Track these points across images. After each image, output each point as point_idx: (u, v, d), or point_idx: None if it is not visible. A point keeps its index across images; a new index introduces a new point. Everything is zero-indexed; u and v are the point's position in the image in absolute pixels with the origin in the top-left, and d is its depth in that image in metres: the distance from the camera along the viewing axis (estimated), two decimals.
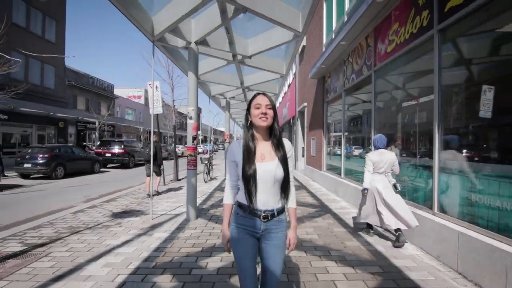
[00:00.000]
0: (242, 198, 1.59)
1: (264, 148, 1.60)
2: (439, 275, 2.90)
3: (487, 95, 2.85)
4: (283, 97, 21.76)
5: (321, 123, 9.40)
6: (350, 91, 6.90)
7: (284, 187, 1.58)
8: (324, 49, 8.31)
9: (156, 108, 5.68)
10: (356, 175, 6.32)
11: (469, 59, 3.32)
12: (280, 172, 1.54)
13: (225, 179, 10.87)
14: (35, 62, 18.90)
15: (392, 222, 3.61)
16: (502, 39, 2.81)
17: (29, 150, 11.63)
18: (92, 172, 13.40)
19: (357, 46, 6.16)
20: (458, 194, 3.22)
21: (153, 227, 4.53)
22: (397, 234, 3.62)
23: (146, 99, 38.56)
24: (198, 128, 5.12)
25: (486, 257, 2.58)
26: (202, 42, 5.13)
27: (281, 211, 1.62)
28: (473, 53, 3.28)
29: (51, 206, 6.30)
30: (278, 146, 1.59)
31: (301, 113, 13.61)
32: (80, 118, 22.78)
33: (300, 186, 8.96)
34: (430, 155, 3.68)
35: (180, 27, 4.73)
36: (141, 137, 32.60)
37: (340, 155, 7.48)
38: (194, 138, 4.90)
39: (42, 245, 3.74)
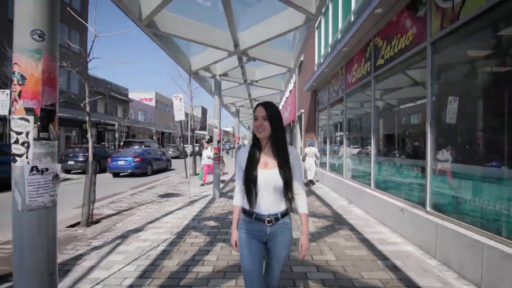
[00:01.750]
0: (246, 204, 1.67)
1: (268, 156, 1.67)
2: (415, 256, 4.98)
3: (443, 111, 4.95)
4: (285, 101, 23.85)
5: (313, 128, 11.52)
6: (332, 105, 9.01)
7: (286, 194, 1.63)
8: (315, 69, 10.40)
9: (179, 115, 7.88)
10: (334, 168, 8.42)
11: (386, 94, 5.43)
12: (279, 180, 1.59)
13: (234, 173, 13.03)
14: (63, 71, 21.22)
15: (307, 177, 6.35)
16: (407, 82, 4.91)
17: (71, 150, 13.93)
18: None
19: (336, 73, 8.28)
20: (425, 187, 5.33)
21: (192, 202, 6.70)
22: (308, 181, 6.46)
23: (157, 101, 40.93)
24: (220, 134, 7.27)
25: (431, 232, 4.66)
26: (224, 74, 7.37)
27: (285, 213, 1.68)
28: (390, 89, 5.38)
29: (106, 192, 8.47)
30: (279, 155, 1.64)
31: (300, 117, 15.70)
32: (101, 120, 25.13)
33: None
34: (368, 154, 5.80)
35: (209, 66, 6.97)
36: (154, 137, 34.90)
37: (326, 153, 9.60)
38: (218, 141, 7.10)
39: (126, 209, 5.93)
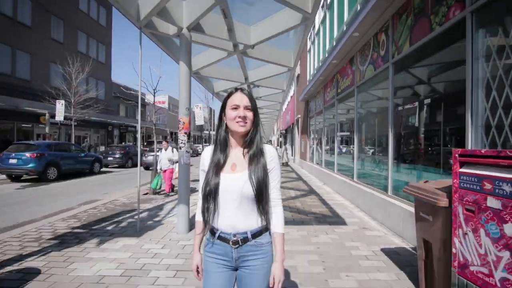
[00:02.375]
0: (215, 222, 1.28)
1: (237, 156, 1.30)
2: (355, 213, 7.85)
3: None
4: (286, 106, 26.70)
5: (306, 131, 14.39)
6: (318, 114, 11.87)
7: (258, 205, 1.23)
8: (307, 83, 13.24)
9: (199, 121, 10.92)
10: (317, 161, 11.28)
11: (345, 111, 8.28)
12: (248, 188, 1.22)
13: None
14: (92, 79, 24.42)
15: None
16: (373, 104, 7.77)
17: (109, 148, 17.06)
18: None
19: (319, 91, 11.15)
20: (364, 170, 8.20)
21: None
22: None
23: (169, 103, 44.11)
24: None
25: (369, 199, 7.53)
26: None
27: (258, 233, 1.26)
28: (347, 108, 8.23)
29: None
30: (252, 156, 1.27)
31: (297, 121, 18.57)
32: (124, 123, 28.36)
33: (292, 171, 13.96)
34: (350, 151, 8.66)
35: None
36: (167, 137, 38.06)
37: (313, 151, 12.48)
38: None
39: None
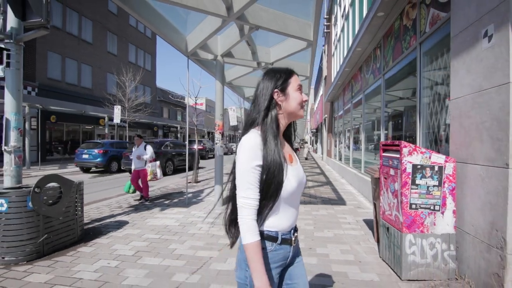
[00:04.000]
0: (272, 224, 1.12)
1: (288, 147, 1.22)
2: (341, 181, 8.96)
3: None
4: (317, 106, 27.55)
5: (331, 130, 15.36)
6: (339, 116, 12.86)
7: None
8: (331, 86, 14.25)
9: (233, 121, 12.55)
10: (338, 157, 12.29)
11: (356, 115, 9.30)
12: (305, 178, 1.21)
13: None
14: (140, 86, 27.52)
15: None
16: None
17: (151, 144, 19.60)
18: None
19: (340, 93, 12.15)
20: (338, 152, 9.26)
21: None
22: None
23: (207, 105, 47.01)
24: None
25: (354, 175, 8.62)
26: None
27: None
28: (359, 112, 9.24)
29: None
30: (294, 147, 1.27)
31: (325, 120, 19.50)
32: (167, 124, 31.38)
33: (317, 167, 15.06)
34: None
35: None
36: (205, 136, 40.82)
37: (336, 149, 13.47)
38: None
39: (210, 178, 10.60)
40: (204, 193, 7.46)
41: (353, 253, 3.43)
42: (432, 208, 2.68)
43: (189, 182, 9.31)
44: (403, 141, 2.73)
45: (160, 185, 8.88)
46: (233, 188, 1.17)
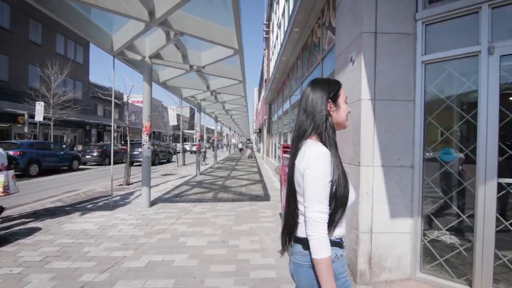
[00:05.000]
0: (337, 232, 1.15)
1: None
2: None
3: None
4: (261, 105, 28.50)
5: (270, 131, 16.18)
6: (278, 118, 13.67)
7: None
8: (267, 90, 15.02)
9: (173, 121, 12.47)
10: (277, 158, 13.07)
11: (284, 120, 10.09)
12: None
13: (214, 164, 17.50)
14: (70, 80, 25.09)
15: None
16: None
17: (87, 147, 18.10)
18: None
19: (275, 97, 12.92)
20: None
21: (185, 177, 11.18)
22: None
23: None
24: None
25: None
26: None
27: None
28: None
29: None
30: None
31: (265, 121, 20.39)
32: (102, 122, 29.09)
33: (255, 166, 15.72)
34: None
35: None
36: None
37: (273, 149, 14.26)
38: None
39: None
40: (134, 195, 7.33)
41: (260, 242, 3.87)
42: None
43: (120, 185, 8.98)
44: None
45: (86, 188, 8.40)
46: (293, 202, 1.20)
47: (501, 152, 2.32)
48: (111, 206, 5.93)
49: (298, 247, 1.18)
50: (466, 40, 2.51)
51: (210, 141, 42.92)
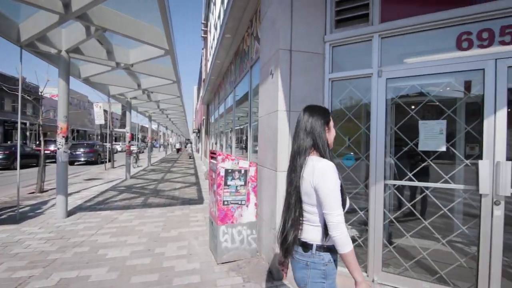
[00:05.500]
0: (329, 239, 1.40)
1: None
2: None
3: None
4: (199, 106, 27.97)
5: (208, 131, 16.05)
6: (215, 119, 13.64)
7: None
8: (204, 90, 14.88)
9: (99, 120, 11.48)
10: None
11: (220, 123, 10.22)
12: None
13: (148, 166, 16.56)
14: None
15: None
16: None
17: None
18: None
19: (212, 98, 12.90)
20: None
21: (113, 181, 10.34)
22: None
23: (72, 98, 39.96)
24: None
25: None
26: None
27: None
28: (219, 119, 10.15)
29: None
30: None
31: (203, 121, 20.13)
32: (10, 119, 24.87)
33: (193, 167, 15.44)
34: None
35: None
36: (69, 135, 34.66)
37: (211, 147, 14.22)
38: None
39: None
40: (48, 204, 6.52)
41: (188, 247, 3.88)
42: (240, 203, 3.39)
43: (32, 193, 7.88)
44: (218, 151, 3.33)
45: None
46: (297, 210, 1.43)
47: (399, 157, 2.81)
48: (17, 218, 5.19)
49: (299, 249, 1.43)
50: (363, 63, 2.95)
51: (146, 140, 40.33)
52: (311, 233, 1.41)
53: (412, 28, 2.67)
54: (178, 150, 33.13)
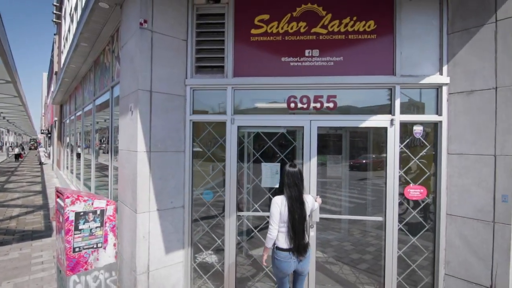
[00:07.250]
0: None
1: None
2: None
3: None
4: (50, 101, 22.89)
5: (61, 137, 13.44)
6: (71, 122, 11.59)
7: None
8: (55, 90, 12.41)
9: None
10: (73, 173, 11.10)
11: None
12: None
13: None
14: None
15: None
16: None
17: None
18: None
19: (67, 99, 10.94)
20: None
21: None
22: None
23: None
24: None
25: None
26: None
27: None
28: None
29: None
30: None
31: (55, 123, 16.69)
32: None
33: (40, 182, 12.62)
34: None
35: None
36: None
37: (67, 160, 12.01)
38: None
39: None
40: None
41: None
42: (95, 246, 3.14)
43: None
44: (67, 191, 2.98)
45: None
46: (304, 225, 2.60)
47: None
48: None
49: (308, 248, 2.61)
50: (221, 108, 3.32)
51: None
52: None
53: (257, 86, 3.23)
54: (18, 156, 25.15)
